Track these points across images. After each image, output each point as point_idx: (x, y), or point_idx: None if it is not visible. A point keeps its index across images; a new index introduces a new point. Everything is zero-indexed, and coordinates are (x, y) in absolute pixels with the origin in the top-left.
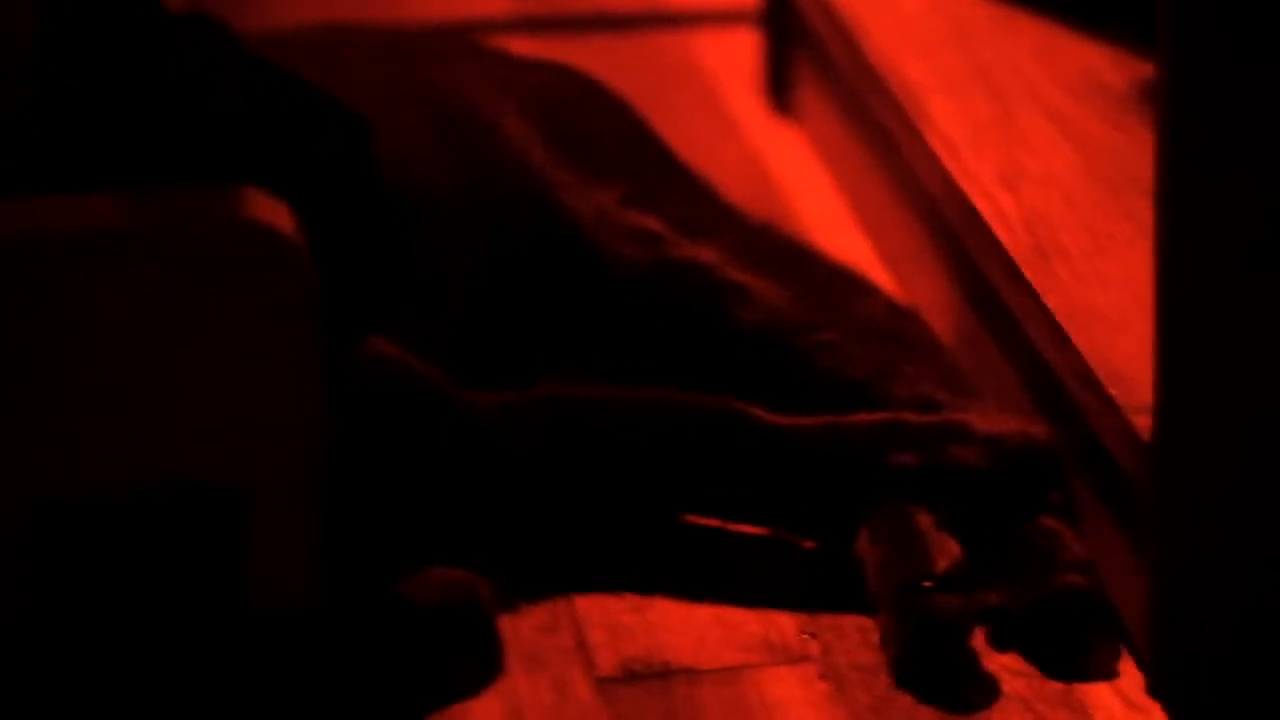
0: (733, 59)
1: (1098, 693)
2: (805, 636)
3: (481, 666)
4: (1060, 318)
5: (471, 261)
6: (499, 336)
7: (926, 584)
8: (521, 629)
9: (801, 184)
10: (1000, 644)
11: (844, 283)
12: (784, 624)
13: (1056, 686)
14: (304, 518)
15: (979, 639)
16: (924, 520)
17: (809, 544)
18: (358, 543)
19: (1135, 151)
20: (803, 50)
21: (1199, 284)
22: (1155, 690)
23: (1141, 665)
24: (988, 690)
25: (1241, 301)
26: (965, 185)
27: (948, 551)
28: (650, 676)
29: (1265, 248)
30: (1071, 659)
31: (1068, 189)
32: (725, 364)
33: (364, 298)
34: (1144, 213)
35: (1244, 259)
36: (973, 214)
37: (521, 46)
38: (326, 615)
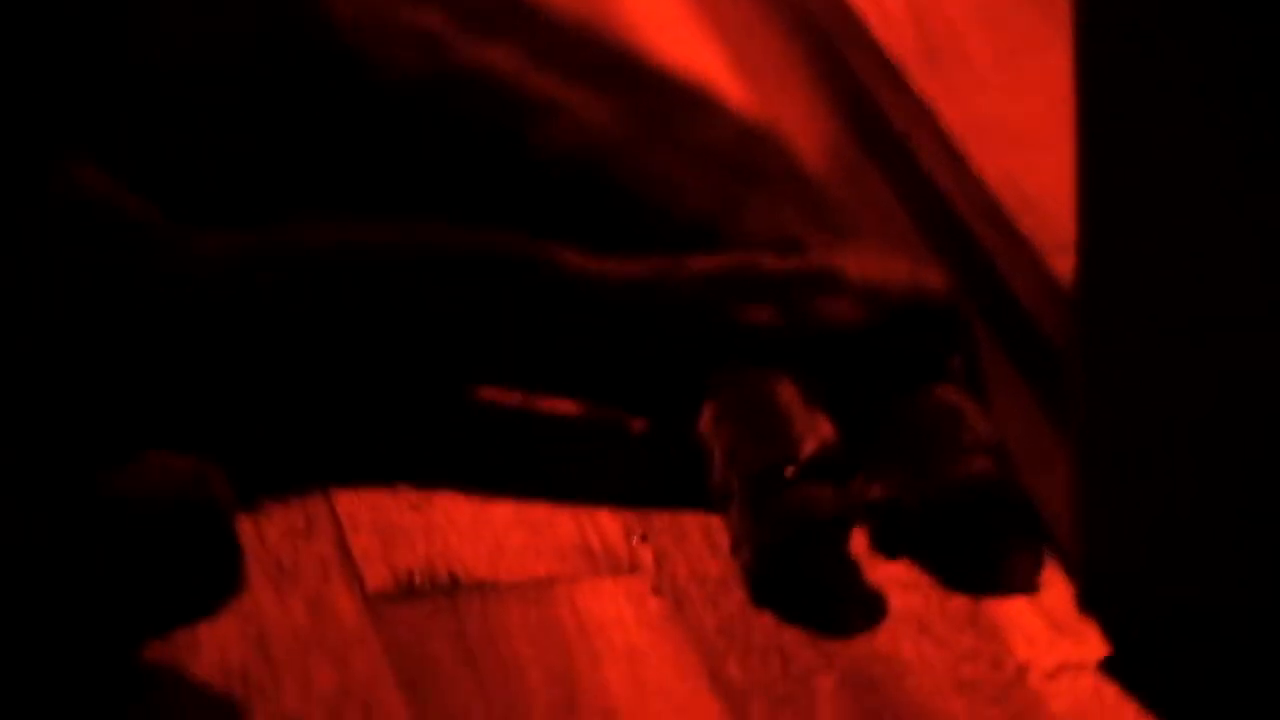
0: None
1: (1014, 610)
2: (634, 540)
3: (215, 580)
4: (958, 135)
5: (196, 66)
6: (236, 164)
7: (789, 472)
8: (267, 533)
9: None
10: (887, 549)
11: (682, 97)
12: (606, 525)
13: (960, 603)
14: None
15: (859, 542)
16: (785, 392)
17: (637, 424)
18: (50, 422)
19: None
20: None
21: (1129, 90)
22: (1087, 605)
23: (1070, 573)
24: (871, 608)
25: (1181, 110)
26: None
27: (816, 431)
28: (434, 592)
29: (1202, 34)
30: (979, 568)
31: None
32: (526, 200)
33: (47, 105)
34: (1061, 6)
35: (1182, 55)
36: (846, 9)
37: None
38: (8, 513)
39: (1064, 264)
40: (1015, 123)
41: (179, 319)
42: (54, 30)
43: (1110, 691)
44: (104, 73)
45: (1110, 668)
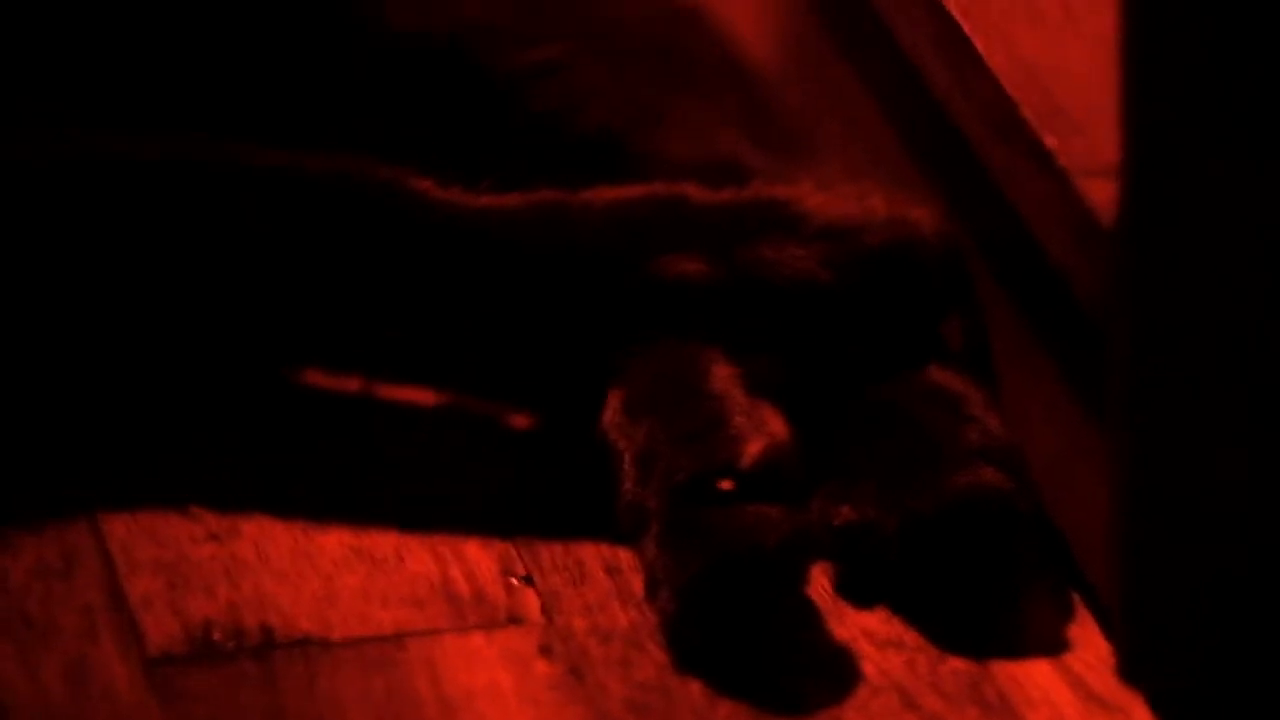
0: None
1: (1032, 677)
2: (514, 582)
3: None
4: (956, 11)
5: None
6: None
7: (726, 484)
8: (10, 573)
9: None
10: (858, 592)
11: None
12: (475, 561)
13: (959, 667)
14: None
15: (820, 583)
16: (719, 374)
17: (517, 420)
18: None
19: None
20: None
21: None
22: (1132, 671)
23: (1108, 627)
24: (836, 674)
25: None
26: None
27: (762, 429)
28: (240, 653)
29: None
30: (984, 618)
31: None
32: (367, 101)
33: None
34: None
35: None
36: None
37: None
38: None
39: (1102, 192)
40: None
41: None
42: None
43: None
44: None
45: None
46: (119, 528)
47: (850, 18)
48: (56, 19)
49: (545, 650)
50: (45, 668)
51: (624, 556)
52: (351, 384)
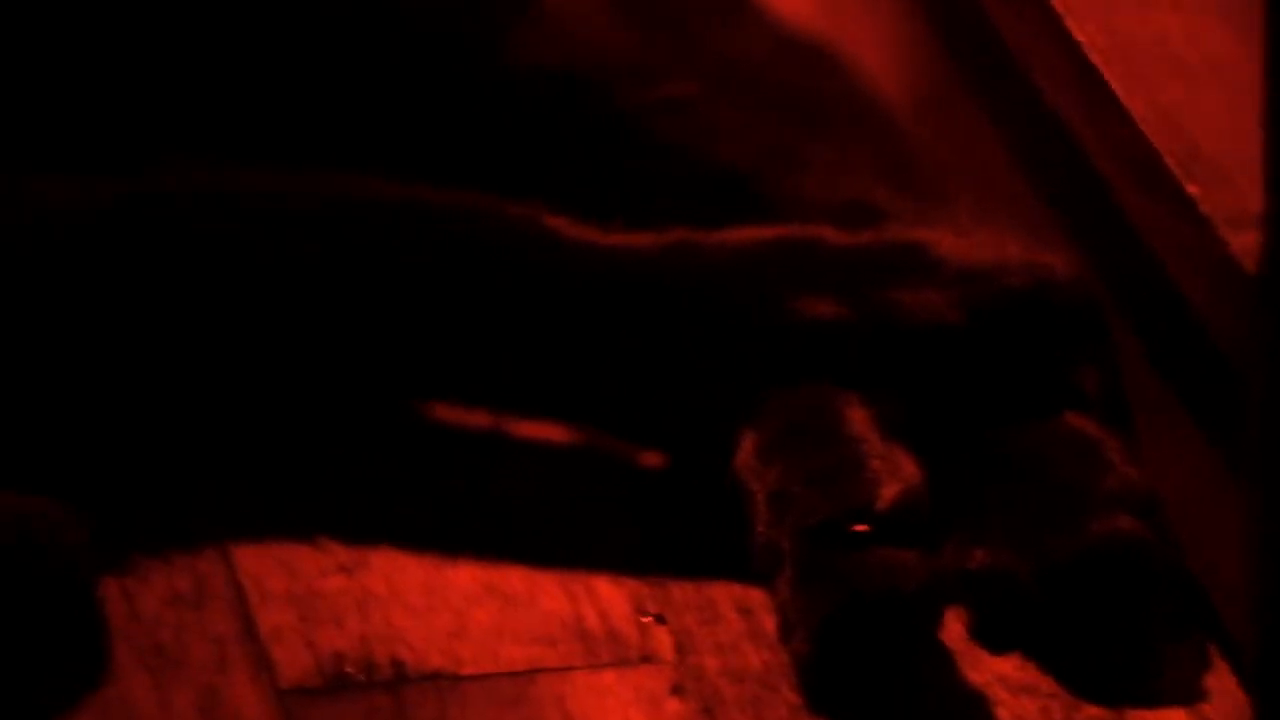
0: None
1: None
2: (646, 621)
3: (70, 665)
4: (1096, 58)
5: None
6: (71, 83)
7: (861, 528)
8: (142, 602)
9: None
10: (992, 639)
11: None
12: (608, 599)
13: (1094, 713)
14: None
15: (953, 629)
16: (854, 416)
17: (650, 458)
18: None
19: None
20: None
21: None
22: None
23: (1248, 679)
24: (971, 718)
25: None
26: None
27: (897, 472)
28: (371, 686)
29: None
30: (1121, 667)
31: None
32: (497, 138)
33: None
34: None
35: None
36: None
37: None
38: None
39: (1243, 240)
40: (1175, 42)
41: (13, 285)
42: None
43: None
44: None
45: None
46: (250, 559)
47: (983, 59)
48: (198, 55)
49: (677, 689)
50: (177, 698)
51: (756, 596)
52: (483, 419)
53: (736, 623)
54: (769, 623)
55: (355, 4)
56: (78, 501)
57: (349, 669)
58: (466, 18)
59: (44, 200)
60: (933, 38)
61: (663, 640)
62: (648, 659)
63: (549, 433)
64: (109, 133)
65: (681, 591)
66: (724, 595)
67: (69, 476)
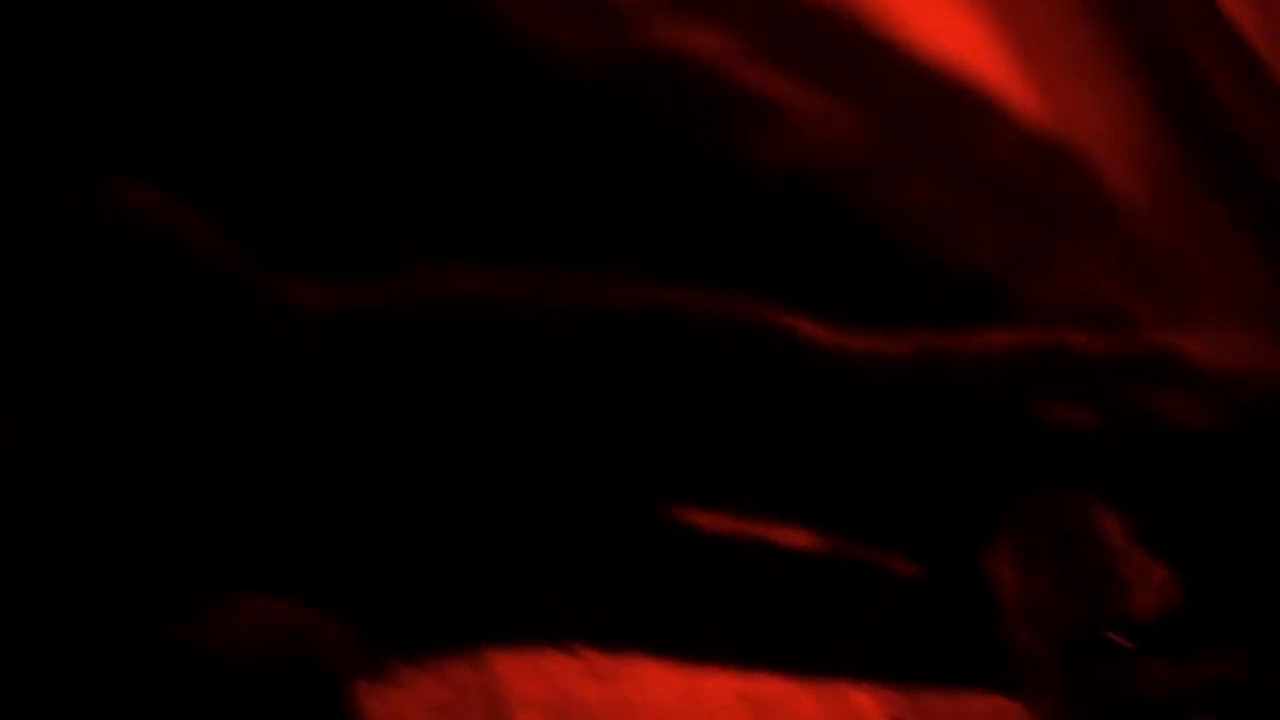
0: None
1: None
2: None
3: None
4: None
5: (277, 44)
6: (329, 178)
7: (1116, 638)
8: (404, 708)
9: None
10: None
11: (948, 98)
12: (861, 706)
13: None
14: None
15: None
16: (1106, 522)
17: (899, 563)
18: (104, 529)
19: None
20: None
21: None
22: None
23: None
24: None
25: None
26: None
27: (1151, 579)
28: None
29: None
30: None
31: None
32: (736, 234)
33: (100, 103)
34: None
35: None
36: None
37: None
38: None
39: None
40: None
41: (266, 395)
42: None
43: None
44: (166, 67)
45: None
46: (506, 665)
47: (1220, 158)
48: (475, 160)
49: None
50: None
51: (1010, 705)
52: (734, 524)
53: None
54: None
55: (610, 120)
56: (341, 610)
57: None
58: (712, 124)
59: (304, 293)
60: (1170, 131)
61: None
62: None
63: (801, 538)
64: (381, 223)
65: (933, 699)
66: (977, 703)
67: (333, 585)
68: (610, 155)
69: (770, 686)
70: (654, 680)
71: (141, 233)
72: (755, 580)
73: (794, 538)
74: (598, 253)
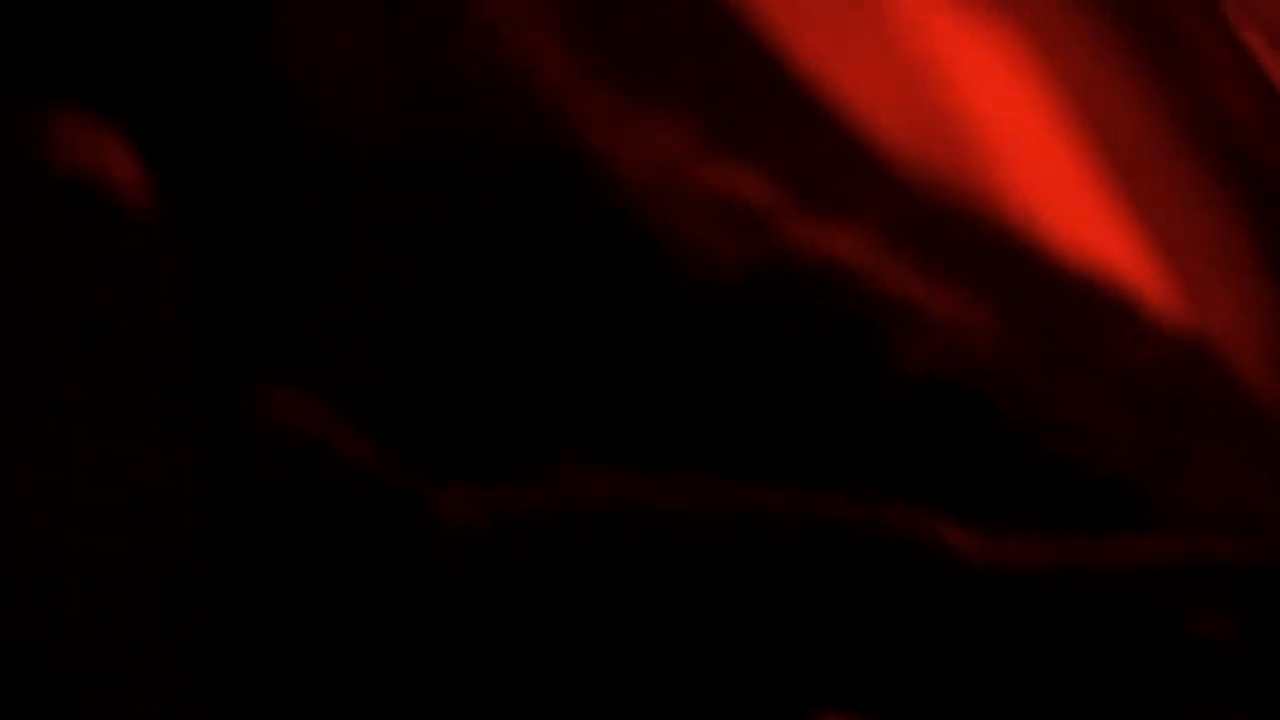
0: None
1: None
2: None
3: None
4: None
5: (426, 253)
6: (479, 387)
7: None
8: None
9: (1008, 108)
10: None
11: (1088, 297)
12: None
13: None
14: (158, 671)
15: None
16: None
17: None
18: None
19: None
20: None
21: None
22: None
23: None
24: None
25: None
26: None
27: None
28: None
29: None
30: None
31: None
32: (879, 438)
33: (254, 309)
34: None
35: None
36: None
37: None
38: None
39: None
40: None
41: (430, 611)
42: (249, 215)
43: None
44: (310, 269)
45: None
46: None
47: None
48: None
49: None
50: None
51: None
52: None
53: None
54: None
55: (752, 324)
56: None
57: None
58: (854, 326)
59: (451, 502)
60: None
61: None
62: None
63: None
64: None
65: None
66: None
67: None
68: (754, 359)
69: None
70: None
71: (298, 442)
72: None
73: None
74: (744, 458)
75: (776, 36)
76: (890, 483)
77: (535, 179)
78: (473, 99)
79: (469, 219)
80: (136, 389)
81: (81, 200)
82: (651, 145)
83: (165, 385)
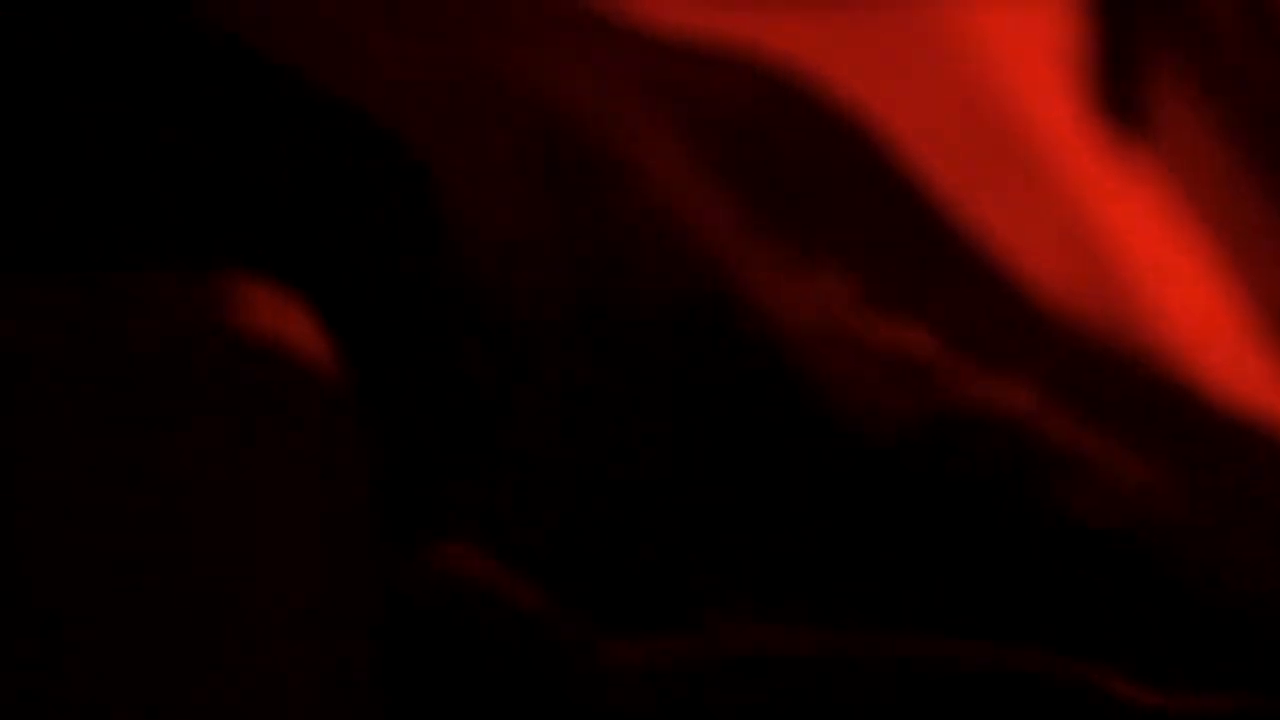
0: (1037, 42)
1: None
2: None
3: None
4: None
5: (594, 408)
6: (642, 538)
7: None
8: None
9: (1164, 258)
10: None
11: (1250, 443)
12: None
13: None
14: None
15: None
16: None
17: None
18: None
19: None
20: (1158, 28)
21: None
22: None
23: None
24: None
25: None
26: None
27: None
28: None
29: None
30: None
31: None
32: (1045, 588)
33: (427, 468)
34: None
35: None
36: None
37: (686, 19)
38: None
39: None
40: None
41: None
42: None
43: None
44: (485, 427)
45: None
46: None
47: None
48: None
49: None
50: None
51: None
52: None
53: None
54: None
55: (917, 476)
56: None
57: None
58: (1019, 478)
59: (619, 652)
60: None
61: None
62: None
63: None
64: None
65: None
66: None
67: None
68: (917, 509)
69: None
70: None
71: (475, 599)
72: None
73: None
74: (904, 609)
75: (937, 192)
76: (1055, 633)
77: (702, 336)
78: (640, 258)
79: (639, 377)
80: (316, 548)
81: (264, 361)
82: (817, 299)
83: (344, 543)
